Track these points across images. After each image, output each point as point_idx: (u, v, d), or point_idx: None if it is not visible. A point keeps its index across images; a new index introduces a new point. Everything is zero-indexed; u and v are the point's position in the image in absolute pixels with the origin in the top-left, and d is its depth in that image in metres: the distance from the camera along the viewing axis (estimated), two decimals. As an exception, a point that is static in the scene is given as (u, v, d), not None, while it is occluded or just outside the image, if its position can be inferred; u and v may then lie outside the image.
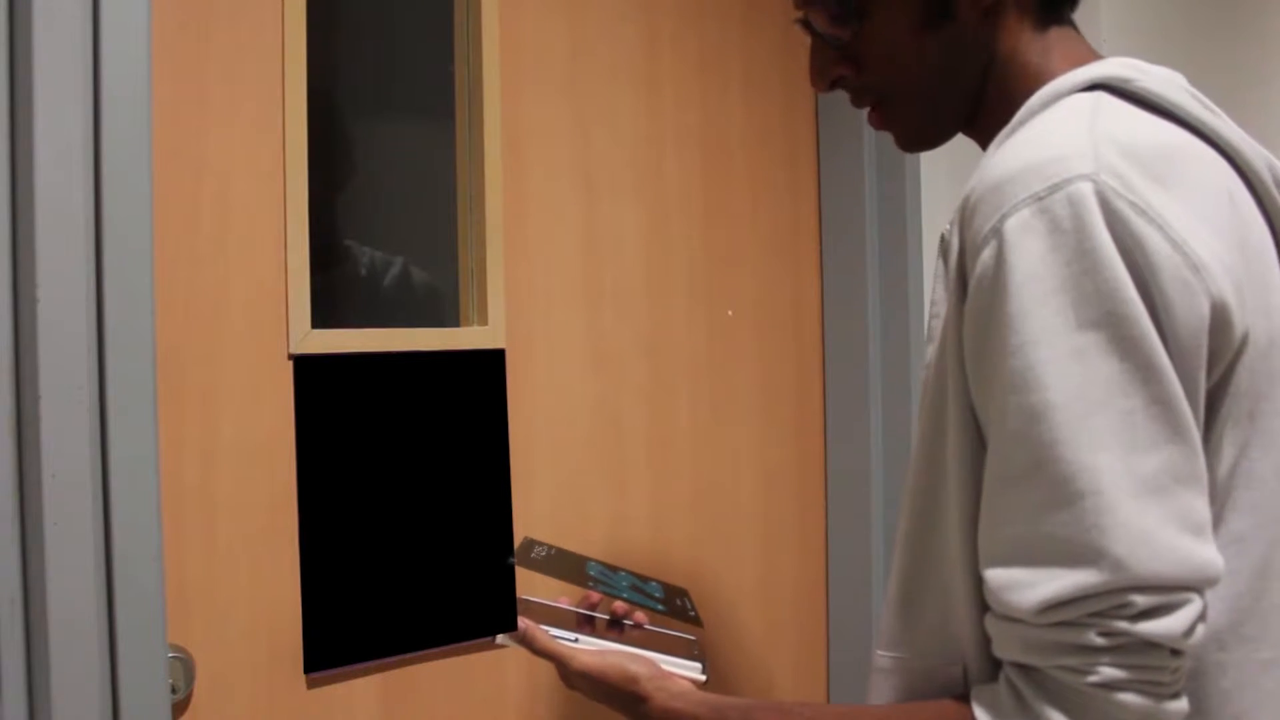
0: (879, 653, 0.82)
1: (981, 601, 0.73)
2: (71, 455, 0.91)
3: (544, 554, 1.20)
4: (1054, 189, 0.68)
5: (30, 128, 0.90)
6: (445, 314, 1.37)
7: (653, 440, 1.52)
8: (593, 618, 1.05)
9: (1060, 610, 0.65)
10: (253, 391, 1.17)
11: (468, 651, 1.33)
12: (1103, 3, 1.73)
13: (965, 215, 0.73)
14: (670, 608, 1.14)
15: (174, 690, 1.09)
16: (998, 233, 0.69)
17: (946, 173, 1.69)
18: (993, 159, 0.74)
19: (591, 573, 1.17)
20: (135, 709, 0.95)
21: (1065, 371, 0.66)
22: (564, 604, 1.06)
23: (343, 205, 1.31)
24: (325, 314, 1.23)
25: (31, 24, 0.89)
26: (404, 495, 1.26)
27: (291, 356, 1.19)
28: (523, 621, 0.96)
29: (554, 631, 0.96)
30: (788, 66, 1.66)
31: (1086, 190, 0.67)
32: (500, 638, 0.97)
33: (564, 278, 1.44)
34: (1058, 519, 0.66)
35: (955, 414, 0.74)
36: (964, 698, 0.73)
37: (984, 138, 0.86)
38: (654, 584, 1.20)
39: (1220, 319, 0.69)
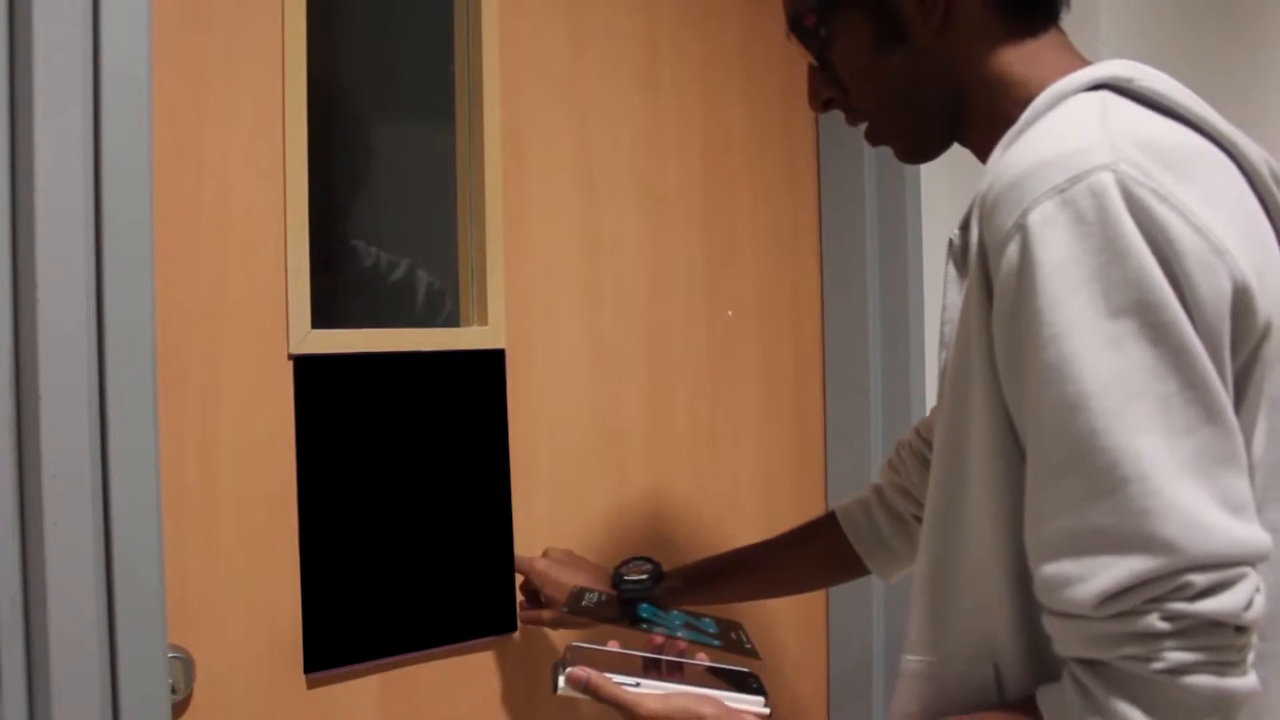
0: (907, 657, 0.81)
1: (1018, 599, 0.73)
2: (71, 455, 0.91)
3: (595, 600, 1.19)
4: (1075, 180, 0.68)
5: (30, 127, 0.90)
6: (445, 314, 1.37)
7: (653, 440, 1.52)
8: (654, 660, 1.01)
9: (1119, 600, 0.65)
10: (253, 391, 1.17)
11: (468, 651, 1.33)
12: (1103, 3, 1.73)
13: (984, 214, 0.73)
14: (726, 642, 1.13)
15: (174, 690, 1.09)
16: (1021, 228, 0.69)
17: (946, 172, 1.69)
18: (1006, 158, 0.74)
19: (644, 614, 1.16)
20: (135, 709, 0.94)
21: (1099, 361, 0.66)
22: (614, 647, 1.02)
23: (343, 205, 1.31)
24: (325, 314, 1.23)
25: (31, 23, 0.89)
26: (404, 495, 1.26)
27: (291, 356, 1.19)
28: (583, 670, 0.91)
29: (615, 678, 0.92)
30: (788, 67, 1.66)
31: (1108, 180, 0.67)
32: (562, 686, 0.91)
33: (564, 278, 1.44)
34: (1102, 507, 0.66)
35: (984, 415, 0.74)
36: (1023, 705, 0.72)
37: (979, 148, 0.88)
38: (707, 620, 1.18)
39: (1243, 303, 0.69)
